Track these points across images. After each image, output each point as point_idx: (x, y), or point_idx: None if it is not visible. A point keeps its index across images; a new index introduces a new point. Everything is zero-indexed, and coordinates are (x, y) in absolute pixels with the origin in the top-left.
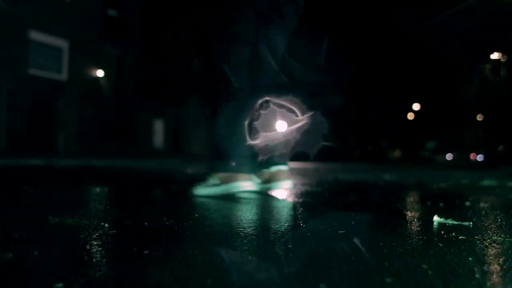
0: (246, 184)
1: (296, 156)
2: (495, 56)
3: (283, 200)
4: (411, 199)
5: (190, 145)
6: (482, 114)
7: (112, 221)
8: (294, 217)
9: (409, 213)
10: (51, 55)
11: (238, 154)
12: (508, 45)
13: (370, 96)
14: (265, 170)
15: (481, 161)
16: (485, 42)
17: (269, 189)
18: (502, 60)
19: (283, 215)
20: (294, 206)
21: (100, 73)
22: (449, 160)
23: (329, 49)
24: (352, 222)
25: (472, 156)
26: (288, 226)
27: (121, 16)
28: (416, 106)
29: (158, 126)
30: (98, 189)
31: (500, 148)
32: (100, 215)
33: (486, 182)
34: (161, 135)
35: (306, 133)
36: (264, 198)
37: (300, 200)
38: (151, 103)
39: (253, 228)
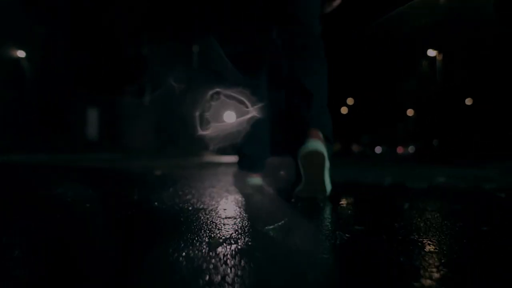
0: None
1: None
2: (431, 53)
3: None
4: None
5: (129, 137)
6: (417, 109)
7: None
8: None
9: None
10: None
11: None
12: (443, 43)
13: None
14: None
15: (401, 153)
16: (424, 40)
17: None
18: (438, 57)
19: None
20: None
21: (21, 53)
22: (378, 154)
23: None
24: None
25: (399, 149)
26: None
27: None
28: (349, 101)
29: (93, 116)
30: None
31: (435, 142)
32: None
33: None
34: (96, 125)
35: (258, 125)
36: None
37: None
38: (84, 91)
39: None
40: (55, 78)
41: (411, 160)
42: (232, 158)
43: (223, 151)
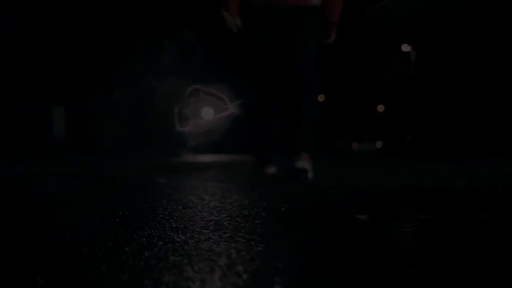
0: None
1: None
2: (406, 48)
3: None
4: None
5: (98, 137)
6: (389, 103)
7: None
8: None
9: None
10: None
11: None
12: (417, 39)
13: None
14: None
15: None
16: (399, 35)
17: None
18: (412, 52)
19: None
20: None
21: None
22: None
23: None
24: None
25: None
26: None
27: None
28: (320, 98)
29: (59, 115)
30: None
31: (408, 137)
32: None
33: None
34: (63, 125)
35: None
36: None
37: None
38: (48, 88)
39: None
40: (13, 74)
41: (396, 156)
42: (217, 157)
43: (200, 150)
